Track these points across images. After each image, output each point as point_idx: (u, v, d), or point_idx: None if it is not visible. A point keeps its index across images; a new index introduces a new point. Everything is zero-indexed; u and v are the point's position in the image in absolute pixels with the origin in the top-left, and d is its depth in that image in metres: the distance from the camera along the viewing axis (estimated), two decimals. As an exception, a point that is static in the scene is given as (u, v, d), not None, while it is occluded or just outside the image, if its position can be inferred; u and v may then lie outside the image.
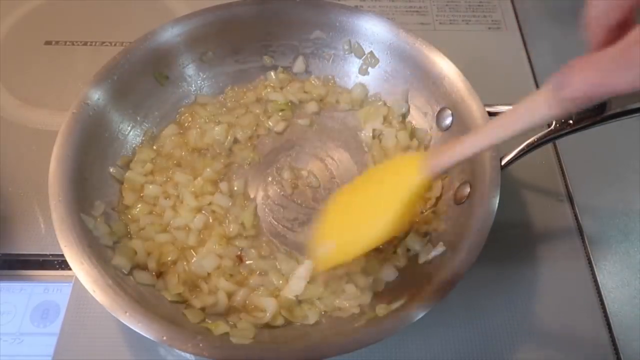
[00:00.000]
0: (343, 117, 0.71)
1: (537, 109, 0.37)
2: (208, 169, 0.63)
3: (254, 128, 0.68)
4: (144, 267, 0.55)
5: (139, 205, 0.60)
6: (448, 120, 0.63)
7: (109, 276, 0.48)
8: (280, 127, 0.69)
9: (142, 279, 0.53)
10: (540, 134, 0.55)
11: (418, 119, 0.67)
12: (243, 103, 0.71)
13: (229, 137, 0.67)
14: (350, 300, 0.54)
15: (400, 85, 0.68)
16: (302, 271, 0.55)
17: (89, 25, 0.83)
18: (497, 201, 0.52)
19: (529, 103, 0.38)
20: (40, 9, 0.85)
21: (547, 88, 0.36)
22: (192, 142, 0.66)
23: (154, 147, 0.65)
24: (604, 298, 0.59)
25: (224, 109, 0.70)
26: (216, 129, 0.67)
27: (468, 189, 0.57)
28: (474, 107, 0.58)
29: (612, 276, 0.60)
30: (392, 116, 0.68)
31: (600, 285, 0.59)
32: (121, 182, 0.61)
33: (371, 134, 0.67)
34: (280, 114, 0.70)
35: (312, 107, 0.70)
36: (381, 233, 0.48)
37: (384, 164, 0.59)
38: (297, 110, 0.71)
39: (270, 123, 0.69)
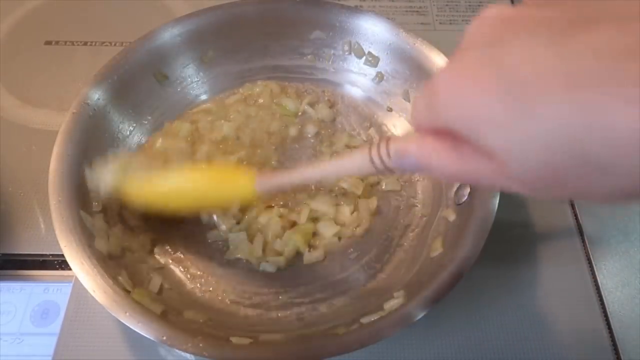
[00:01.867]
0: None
1: (362, 165, 0.39)
2: (232, 156, 0.64)
3: (260, 131, 0.68)
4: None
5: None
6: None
7: (109, 276, 0.48)
8: (283, 131, 0.69)
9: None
10: (540, 134, 0.55)
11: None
12: (251, 104, 0.71)
13: (237, 135, 0.67)
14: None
15: (400, 85, 0.68)
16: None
17: (89, 25, 0.83)
18: (497, 201, 0.52)
19: (361, 157, 0.40)
20: (40, 9, 0.85)
21: (382, 148, 0.37)
22: (201, 130, 0.67)
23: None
24: (604, 298, 0.59)
25: (231, 109, 0.70)
26: (225, 126, 0.67)
27: (468, 189, 0.57)
28: (474, 107, 0.58)
29: (612, 276, 0.60)
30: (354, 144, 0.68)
31: (600, 285, 0.59)
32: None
33: None
34: (282, 118, 0.70)
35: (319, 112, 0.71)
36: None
37: (222, 168, 0.62)
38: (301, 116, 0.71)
39: (274, 126, 0.69)
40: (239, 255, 0.58)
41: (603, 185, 0.24)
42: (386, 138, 0.37)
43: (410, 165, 0.36)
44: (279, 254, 0.58)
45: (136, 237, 0.58)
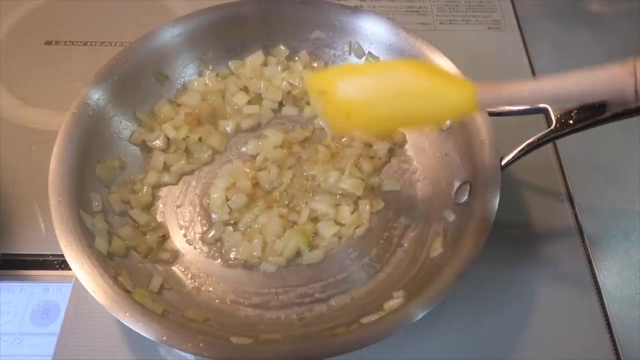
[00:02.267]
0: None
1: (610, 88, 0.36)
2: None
3: None
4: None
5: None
6: (448, 121, 0.63)
7: (109, 276, 0.48)
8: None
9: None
10: (540, 134, 0.55)
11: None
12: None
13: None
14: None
15: (400, 85, 0.68)
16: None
17: (89, 25, 0.83)
18: (497, 201, 0.52)
19: (603, 77, 0.36)
20: (40, 9, 0.85)
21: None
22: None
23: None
24: (604, 298, 0.59)
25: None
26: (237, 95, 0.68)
27: (468, 189, 0.57)
28: (474, 107, 0.58)
29: (612, 276, 0.60)
30: None
31: (600, 285, 0.59)
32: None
33: None
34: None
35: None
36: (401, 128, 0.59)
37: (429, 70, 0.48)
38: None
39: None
40: (237, 256, 0.58)
41: None
42: None
43: None
44: (279, 254, 0.58)
45: (144, 236, 0.58)
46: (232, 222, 0.60)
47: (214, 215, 0.61)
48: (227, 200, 0.61)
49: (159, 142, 0.64)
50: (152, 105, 0.66)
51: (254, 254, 0.58)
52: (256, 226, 0.60)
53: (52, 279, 0.58)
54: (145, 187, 0.62)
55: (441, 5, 0.88)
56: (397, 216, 0.62)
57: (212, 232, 0.59)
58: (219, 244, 0.59)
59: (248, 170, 0.63)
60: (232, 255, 0.58)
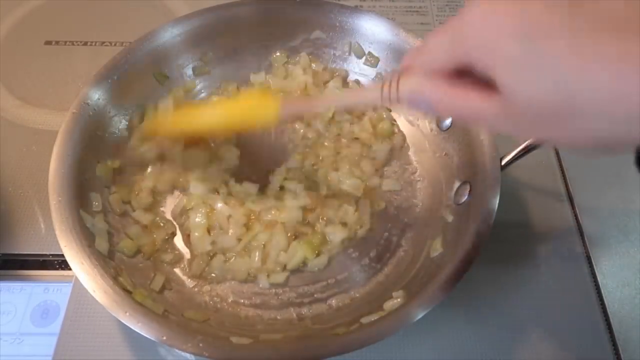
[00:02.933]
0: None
1: (374, 97, 0.42)
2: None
3: None
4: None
5: None
6: (448, 120, 0.63)
7: (109, 276, 0.48)
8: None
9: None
10: (540, 134, 0.55)
11: (420, 119, 0.67)
12: None
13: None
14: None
15: (400, 85, 0.68)
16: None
17: (89, 25, 0.83)
18: (497, 201, 0.52)
19: (372, 91, 0.43)
20: (40, 9, 0.85)
21: (393, 85, 0.39)
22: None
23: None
24: (604, 298, 0.59)
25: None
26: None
27: (468, 189, 0.57)
28: (474, 107, 0.58)
29: (612, 276, 0.60)
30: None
31: (600, 285, 0.59)
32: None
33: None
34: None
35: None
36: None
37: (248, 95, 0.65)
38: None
39: None
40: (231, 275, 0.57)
41: (583, 131, 0.29)
42: (397, 77, 0.39)
43: (419, 103, 0.38)
44: (283, 267, 0.57)
45: (151, 235, 0.58)
46: (216, 253, 0.58)
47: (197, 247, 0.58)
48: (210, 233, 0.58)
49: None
50: (151, 105, 0.66)
51: (251, 270, 0.57)
52: (255, 244, 0.58)
53: (52, 279, 0.58)
54: (145, 189, 0.61)
55: (441, 5, 0.88)
56: (397, 216, 0.62)
57: (195, 262, 0.57)
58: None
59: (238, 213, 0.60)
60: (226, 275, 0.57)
